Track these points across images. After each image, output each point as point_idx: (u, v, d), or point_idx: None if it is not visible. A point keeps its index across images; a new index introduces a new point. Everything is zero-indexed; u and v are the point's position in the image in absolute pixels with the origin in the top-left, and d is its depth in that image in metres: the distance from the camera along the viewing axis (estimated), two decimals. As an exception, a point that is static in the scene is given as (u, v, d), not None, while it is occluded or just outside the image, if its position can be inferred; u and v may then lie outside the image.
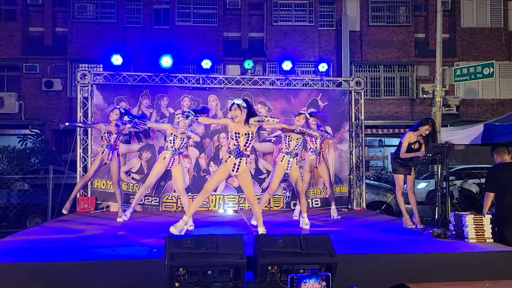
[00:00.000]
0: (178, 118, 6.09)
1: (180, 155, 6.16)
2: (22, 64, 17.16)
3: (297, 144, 6.06)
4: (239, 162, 5.19)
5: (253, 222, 6.06)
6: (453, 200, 9.61)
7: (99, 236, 5.45)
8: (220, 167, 5.39)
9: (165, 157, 6.04)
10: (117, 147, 6.82)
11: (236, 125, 5.20)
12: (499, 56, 17.97)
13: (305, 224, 6.08)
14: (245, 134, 5.16)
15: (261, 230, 5.29)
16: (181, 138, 6.06)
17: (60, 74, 17.32)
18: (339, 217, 7.11)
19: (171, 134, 6.05)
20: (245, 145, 5.18)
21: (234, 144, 5.19)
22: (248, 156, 5.28)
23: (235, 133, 5.17)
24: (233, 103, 5.20)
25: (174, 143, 6.03)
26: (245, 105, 5.17)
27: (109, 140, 6.68)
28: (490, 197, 5.23)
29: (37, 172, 11.57)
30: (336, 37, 18.14)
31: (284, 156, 6.04)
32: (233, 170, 5.22)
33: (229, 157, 5.21)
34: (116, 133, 6.72)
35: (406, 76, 18.42)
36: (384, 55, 18.20)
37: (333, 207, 7.24)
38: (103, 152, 6.70)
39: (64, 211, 6.68)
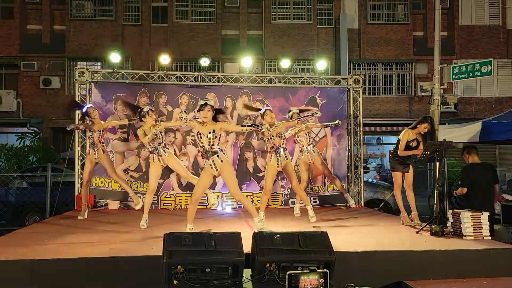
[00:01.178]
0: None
1: (163, 149, 5.97)
2: (20, 62, 17.10)
3: (281, 139, 6.06)
4: (212, 161, 5.19)
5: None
6: (451, 198, 9.63)
7: (97, 233, 5.45)
8: (202, 172, 5.41)
9: (154, 159, 5.97)
10: (102, 144, 6.75)
11: (199, 126, 5.19)
12: (497, 54, 17.98)
13: (310, 217, 6.11)
14: (208, 134, 5.15)
15: (257, 220, 5.30)
16: (154, 135, 5.89)
17: (58, 72, 17.27)
18: (354, 205, 7.19)
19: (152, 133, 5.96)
20: (209, 144, 5.17)
21: (201, 146, 5.23)
22: (219, 151, 5.21)
23: (198, 133, 5.20)
24: (206, 103, 5.16)
25: (153, 141, 5.93)
26: (214, 107, 5.22)
27: (93, 138, 6.65)
28: (464, 190, 6.22)
29: (35, 170, 11.56)
30: (335, 35, 18.13)
31: (272, 155, 6.08)
32: (212, 169, 5.23)
33: (204, 160, 5.28)
34: (98, 131, 6.63)
35: (404, 74, 18.43)
36: (383, 53, 18.20)
37: (345, 194, 7.33)
38: (89, 153, 6.71)
39: (80, 217, 6.65)
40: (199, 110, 5.19)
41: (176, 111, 8.16)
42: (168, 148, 6.16)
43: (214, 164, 5.19)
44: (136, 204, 6.71)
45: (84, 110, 6.62)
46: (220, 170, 5.23)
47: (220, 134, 5.29)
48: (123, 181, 6.90)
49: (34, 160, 14.07)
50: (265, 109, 6.09)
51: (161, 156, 5.94)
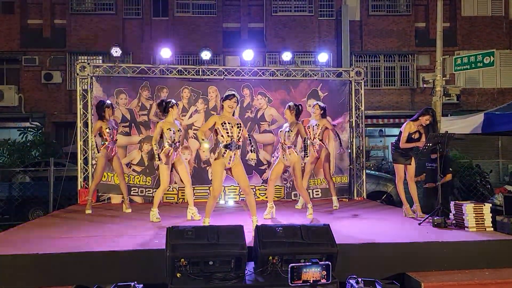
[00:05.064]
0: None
1: (179, 147, 6.11)
2: (21, 56, 17.10)
3: (287, 134, 6.08)
4: (234, 154, 5.20)
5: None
6: (453, 190, 9.62)
7: (100, 227, 5.47)
8: (215, 166, 5.22)
9: (169, 153, 5.98)
10: (115, 142, 6.86)
11: (225, 117, 5.19)
12: (499, 45, 17.89)
13: (308, 214, 6.13)
14: (237, 125, 5.18)
15: (255, 220, 5.27)
16: (178, 130, 6.07)
17: (59, 66, 17.27)
18: (337, 207, 7.16)
19: (169, 129, 5.99)
20: (238, 136, 5.20)
21: (228, 136, 5.15)
22: (241, 147, 5.31)
23: (227, 123, 5.14)
24: (234, 94, 5.25)
25: (174, 137, 5.99)
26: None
27: (112, 135, 6.73)
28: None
29: (38, 165, 11.58)
30: (336, 27, 18.04)
31: (279, 150, 6.24)
32: (228, 163, 5.21)
33: (225, 151, 5.16)
34: (108, 129, 6.71)
35: (406, 65, 18.36)
36: (385, 44, 18.11)
37: (334, 197, 7.28)
38: (108, 149, 6.71)
39: (87, 211, 6.70)
40: (225, 100, 5.21)
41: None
42: (181, 149, 6.29)
43: (234, 158, 5.18)
44: (125, 209, 6.83)
45: (108, 102, 6.82)
46: (234, 164, 5.22)
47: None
48: (124, 184, 6.96)
49: (37, 154, 14.10)
50: (289, 105, 6.26)
51: (170, 152, 5.97)
